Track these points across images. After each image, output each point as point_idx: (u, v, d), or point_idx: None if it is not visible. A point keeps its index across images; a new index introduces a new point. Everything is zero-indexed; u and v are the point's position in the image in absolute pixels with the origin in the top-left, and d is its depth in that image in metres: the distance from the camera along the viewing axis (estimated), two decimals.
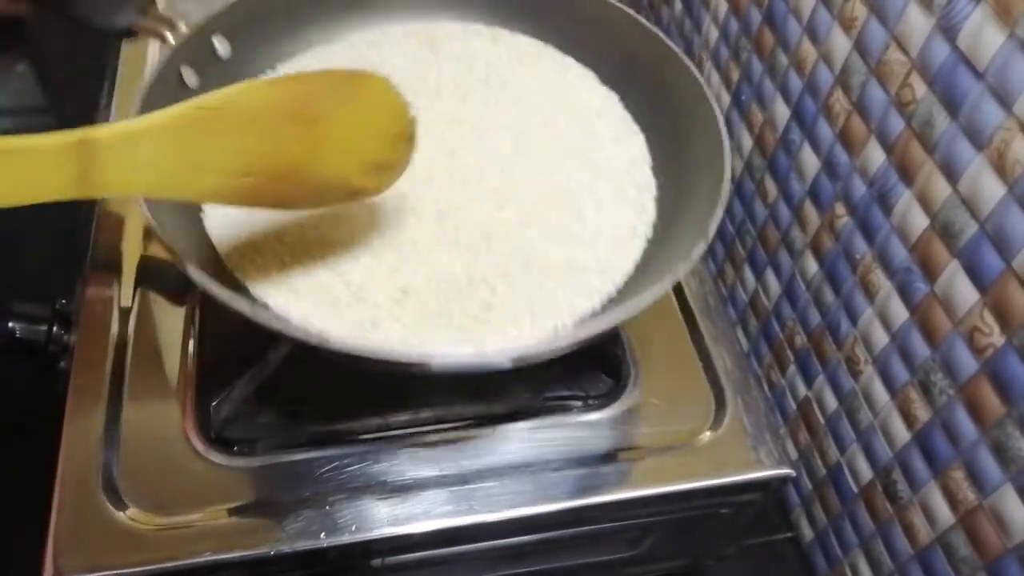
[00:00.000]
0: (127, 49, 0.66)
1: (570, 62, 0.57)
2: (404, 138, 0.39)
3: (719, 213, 0.42)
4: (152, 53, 0.65)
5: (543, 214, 0.49)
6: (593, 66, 0.56)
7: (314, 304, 0.44)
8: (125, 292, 0.52)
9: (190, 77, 0.49)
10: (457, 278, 0.45)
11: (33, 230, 0.70)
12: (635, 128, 0.54)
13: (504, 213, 0.49)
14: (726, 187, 0.44)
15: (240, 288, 0.44)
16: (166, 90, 0.46)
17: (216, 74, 0.49)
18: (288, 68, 0.54)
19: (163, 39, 0.50)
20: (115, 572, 0.41)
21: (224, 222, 0.46)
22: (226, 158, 0.32)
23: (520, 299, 0.45)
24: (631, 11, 0.54)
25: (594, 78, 0.56)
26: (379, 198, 0.41)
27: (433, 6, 0.58)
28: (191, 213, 0.46)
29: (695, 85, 0.49)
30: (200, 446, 0.46)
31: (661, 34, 0.52)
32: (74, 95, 0.73)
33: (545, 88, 0.55)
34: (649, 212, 0.50)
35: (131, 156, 0.29)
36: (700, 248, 0.41)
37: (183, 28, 0.50)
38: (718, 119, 0.47)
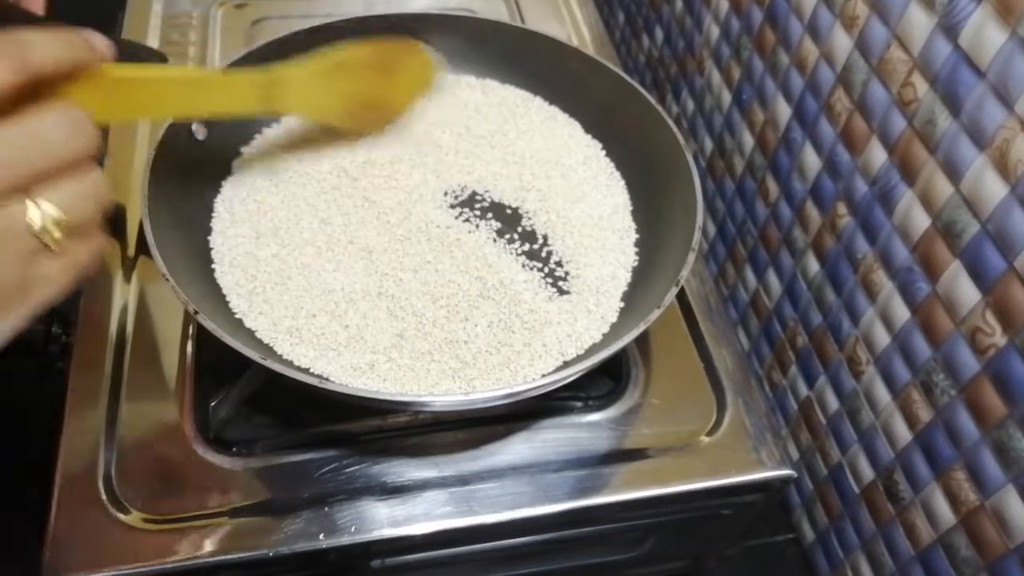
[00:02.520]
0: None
1: (556, 111, 0.59)
2: (431, 77, 0.57)
3: (690, 261, 0.45)
4: None
5: (530, 262, 0.51)
6: (578, 116, 0.59)
7: (316, 348, 0.45)
8: (124, 292, 0.52)
9: (199, 131, 0.52)
10: (450, 325, 0.47)
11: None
12: (617, 175, 0.56)
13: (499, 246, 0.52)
14: (697, 236, 0.46)
15: (248, 332, 0.46)
16: (177, 143, 0.49)
17: (222, 126, 0.53)
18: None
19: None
20: (114, 572, 0.41)
21: (233, 273, 0.48)
22: (341, 91, 0.51)
23: (509, 347, 0.46)
24: (612, 66, 0.56)
25: (578, 127, 0.59)
26: (375, 248, 0.51)
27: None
28: (203, 266, 0.48)
29: (672, 137, 0.52)
30: (199, 447, 0.46)
31: (640, 88, 0.55)
32: None
33: (531, 137, 0.58)
34: (629, 257, 0.52)
35: (292, 84, 0.47)
36: (671, 295, 0.43)
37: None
38: (692, 171, 0.49)
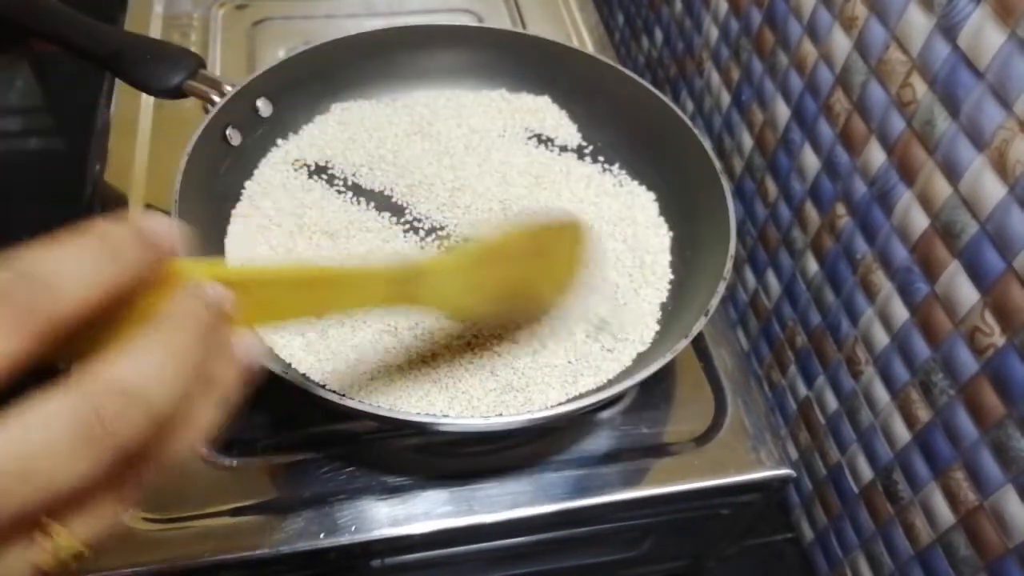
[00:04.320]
0: None
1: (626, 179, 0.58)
2: (584, 261, 0.47)
3: (720, 290, 0.44)
4: None
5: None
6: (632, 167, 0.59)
7: (336, 369, 0.45)
8: None
9: (234, 136, 0.52)
10: (474, 355, 0.46)
11: (33, 230, 0.69)
12: (662, 221, 0.56)
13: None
14: (729, 265, 0.46)
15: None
16: (208, 147, 0.49)
17: (256, 132, 0.54)
18: (322, 119, 0.58)
19: (211, 101, 0.52)
20: (115, 572, 0.41)
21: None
22: (492, 286, 0.41)
23: (540, 375, 0.46)
24: (654, 89, 0.57)
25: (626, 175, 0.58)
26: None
27: (453, 75, 0.61)
28: None
29: (708, 163, 0.52)
30: (199, 447, 0.46)
31: (681, 113, 0.55)
32: (74, 95, 0.73)
33: (591, 192, 0.57)
34: (663, 293, 0.52)
35: (434, 279, 0.37)
36: (700, 325, 0.43)
37: (229, 89, 0.52)
38: (729, 204, 0.49)
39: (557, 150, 0.59)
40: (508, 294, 0.43)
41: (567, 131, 0.60)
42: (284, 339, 0.46)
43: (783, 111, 0.63)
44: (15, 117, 0.82)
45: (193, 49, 0.69)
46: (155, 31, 0.71)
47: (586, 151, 0.59)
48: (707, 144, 0.53)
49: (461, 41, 0.60)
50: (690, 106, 0.78)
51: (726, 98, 0.71)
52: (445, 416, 0.44)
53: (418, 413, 0.43)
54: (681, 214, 0.55)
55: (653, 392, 0.51)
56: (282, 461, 0.46)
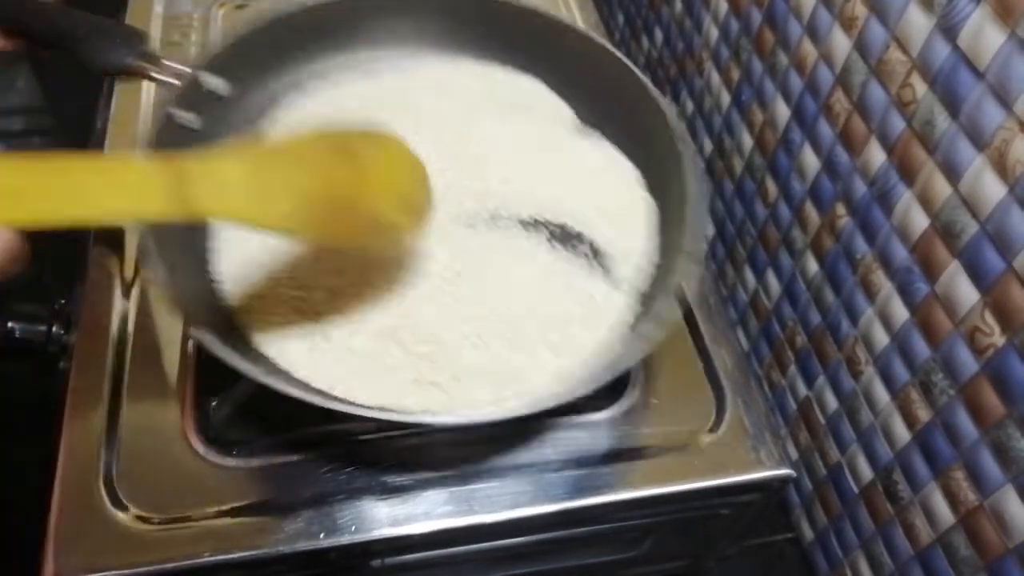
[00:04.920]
0: None
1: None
2: (424, 183, 0.44)
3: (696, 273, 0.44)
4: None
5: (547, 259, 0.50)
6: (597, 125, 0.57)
7: (311, 360, 0.44)
8: (125, 292, 0.52)
9: (192, 120, 0.50)
10: (453, 343, 0.46)
11: (33, 230, 0.70)
12: (635, 174, 0.54)
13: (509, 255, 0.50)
14: (703, 246, 0.46)
15: (244, 339, 0.45)
16: (170, 133, 0.47)
17: (215, 114, 0.51)
18: (290, 96, 0.56)
19: (153, 79, 0.51)
20: (115, 573, 0.41)
21: (232, 272, 0.47)
22: (292, 187, 0.37)
23: (515, 363, 0.46)
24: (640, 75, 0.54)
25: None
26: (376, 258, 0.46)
27: (417, 42, 0.59)
28: (201, 269, 0.47)
29: (689, 160, 0.50)
30: (199, 447, 0.46)
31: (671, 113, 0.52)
32: (74, 95, 0.73)
33: (565, 158, 0.55)
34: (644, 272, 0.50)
35: (215, 177, 0.33)
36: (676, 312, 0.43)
37: (174, 67, 0.50)
38: (701, 191, 0.48)
39: (539, 122, 0.57)
40: (321, 205, 0.38)
41: (550, 103, 0.58)
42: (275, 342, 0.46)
43: (783, 111, 0.63)
44: (16, 117, 0.82)
45: (193, 50, 0.69)
46: (155, 31, 0.71)
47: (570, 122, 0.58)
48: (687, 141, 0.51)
49: (427, 6, 0.58)
50: (690, 106, 0.78)
51: (726, 98, 0.71)
52: (441, 415, 0.43)
53: (415, 413, 0.43)
54: (660, 191, 0.54)
55: (653, 392, 0.51)
56: (282, 461, 0.46)
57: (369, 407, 0.41)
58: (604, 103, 0.56)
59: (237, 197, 0.34)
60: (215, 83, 0.52)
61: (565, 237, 0.51)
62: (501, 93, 0.58)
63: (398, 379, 0.44)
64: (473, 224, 0.51)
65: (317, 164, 0.38)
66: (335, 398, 0.42)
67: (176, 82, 0.50)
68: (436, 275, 0.48)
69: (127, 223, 0.35)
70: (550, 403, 0.42)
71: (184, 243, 0.47)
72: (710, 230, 0.47)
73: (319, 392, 0.43)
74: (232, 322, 0.46)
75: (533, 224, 0.51)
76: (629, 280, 0.50)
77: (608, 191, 0.54)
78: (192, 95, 0.49)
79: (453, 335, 0.46)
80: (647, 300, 0.49)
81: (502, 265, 0.49)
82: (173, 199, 0.32)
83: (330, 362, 0.45)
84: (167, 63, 0.51)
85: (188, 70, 0.50)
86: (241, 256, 0.48)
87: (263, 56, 0.54)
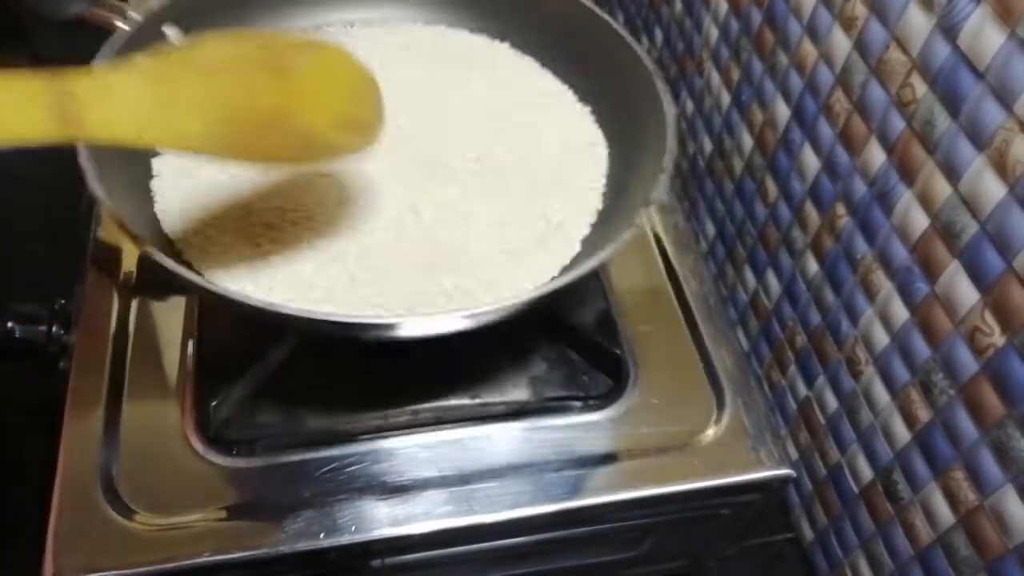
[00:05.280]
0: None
1: (529, 62, 0.59)
2: (371, 100, 0.40)
3: (663, 183, 0.44)
4: None
5: (503, 194, 0.51)
6: (536, 51, 0.59)
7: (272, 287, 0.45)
8: (125, 292, 0.52)
9: (174, 35, 0.49)
10: (420, 260, 0.46)
11: (33, 230, 0.70)
12: (586, 111, 0.56)
13: (468, 193, 0.51)
14: (668, 159, 0.46)
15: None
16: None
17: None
18: None
19: (113, 28, 0.48)
20: (115, 573, 0.41)
21: (175, 207, 0.47)
22: (204, 103, 0.33)
23: (483, 271, 0.46)
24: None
25: (535, 63, 0.59)
26: (341, 181, 0.44)
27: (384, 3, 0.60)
28: (143, 194, 0.47)
29: (638, 62, 0.51)
30: (199, 446, 0.46)
31: (603, 14, 0.54)
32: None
33: (506, 87, 0.57)
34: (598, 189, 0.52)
35: (108, 93, 0.29)
36: (642, 215, 0.43)
37: (135, 16, 0.48)
38: (662, 94, 0.49)
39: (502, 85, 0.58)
40: (242, 122, 0.34)
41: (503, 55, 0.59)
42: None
43: (783, 111, 0.63)
44: None
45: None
46: None
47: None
48: (637, 46, 0.52)
49: None
50: (690, 106, 0.78)
51: (726, 98, 0.71)
52: (399, 316, 0.43)
53: (369, 315, 0.43)
54: (620, 128, 0.55)
55: (653, 392, 0.51)
56: (282, 461, 0.46)
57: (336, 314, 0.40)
58: (574, 51, 0.57)
59: (136, 116, 0.30)
60: (171, 33, 0.49)
61: (517, 173, 0.52)
62: (468, 55, 0.59)
63: (348, 303, 0.44)
64: (431, 167, 0.52)
65: (235, 76, 0.34)
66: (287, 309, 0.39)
67: (127, 29, 0.48)
68: (391, 212, 0.49)
69: (6, 146, 0.28)
70: (520, 299, 0.41)
71: (123, 165, 0.45)
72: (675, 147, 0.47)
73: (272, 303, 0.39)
74: (177, 251, 0.46)
75: (489, 166, 0.53)
76: (588, 204, 0.51)
77: (560, 125, 0.56)
78: (143, 44, 0.45)
79: (404, 264, 0.47)
80: (605, 219, 0.50)
81: (456, 202, 0.50)
82: (60, 120, 0.28)
83: (280, 288, 0.45)
84: (122, 8, 0.48)
85: (140, 18, 0.48)
86: (183, 183, 0.48)
87: (216, 8, 0.52)
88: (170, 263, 0.39)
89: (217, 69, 0.33)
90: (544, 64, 0.59)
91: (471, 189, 0.51)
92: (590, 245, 0.49)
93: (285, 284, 0.45)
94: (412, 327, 0.42)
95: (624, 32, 0.53)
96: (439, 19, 0.60)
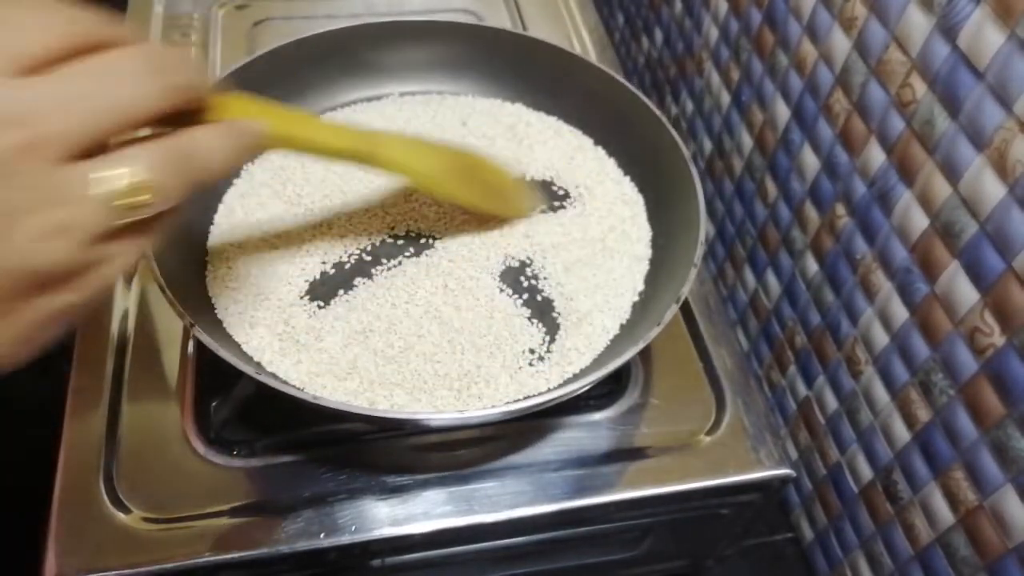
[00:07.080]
0: None
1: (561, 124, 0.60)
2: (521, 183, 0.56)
3: (691, 277, 0.45)
4: None
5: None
6: (586, 128, 0.59)
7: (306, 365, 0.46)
8: (125, 292, 0.52)
9: None
10: (446, 354, 0.46)
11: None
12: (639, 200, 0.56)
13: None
14: (699, 251, 0.46)
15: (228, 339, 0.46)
16: None
17: None
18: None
19: None
20: (115, 573, 0.41)
21: (222, 283, 0.48)
22: (442, 166, 0.49)
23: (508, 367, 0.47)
24: (616, 75, 0.56)
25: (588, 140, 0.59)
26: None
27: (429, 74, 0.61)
28: (198, 272, 0.48)
29: (675, 147, 0.52)
30: (200, 447, 0.46)
31: (642, 96, 0.54)
32: None
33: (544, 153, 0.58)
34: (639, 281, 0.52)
35: (402, 149, 0.46)
36: (672, 312, 0.44)
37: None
38: (696, 185, 0.50)
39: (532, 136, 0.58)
40: (461, 182, 0.50)
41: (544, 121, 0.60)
42: (260, 344, 0.46)
43: (783, 111, 0.63)
44: None
45: (193, 51, 0.69)
46: (155, 31, 0.71)
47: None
48: (674, 132, 0.52)
49: (435, 37, 0.59)
50: (690, 106, 0.78)
51: (726, 98, 0.71)
52: (430, 412, 0.43)
53: (405, 410, 0.43)
54: (655, 201, 0.55)
55: (653, 392, 0.51)
56: (282, 461, 0.46)
57: (370, 408, 0.41)
58: (615, 129, 0.58)
59: (410, 160, 0.46)
60: None
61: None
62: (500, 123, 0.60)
63: (375, 380, 0.45)
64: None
65: (457, 166, 0.50)
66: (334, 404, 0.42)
67: None
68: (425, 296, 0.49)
69: (327, 159, 0.48)
70: (550, 397, 0.42)
71: (183, 242, 0.47)
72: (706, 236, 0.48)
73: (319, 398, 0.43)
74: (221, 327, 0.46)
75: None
76: (621, 307, 0.51)
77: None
78: None
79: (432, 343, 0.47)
80: (642, 305, 0.50)
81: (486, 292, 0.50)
82: (370, 151, 0.43)
83: (306, 361, 0.45)
84: None
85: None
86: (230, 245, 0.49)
87: (285, 79, 0.55)
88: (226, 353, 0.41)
89: (446, 155, 0.50)
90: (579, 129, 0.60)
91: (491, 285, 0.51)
92: (616, 339, 0.49)
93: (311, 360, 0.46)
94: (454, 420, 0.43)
95: (659, 112, 0.53)
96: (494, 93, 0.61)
